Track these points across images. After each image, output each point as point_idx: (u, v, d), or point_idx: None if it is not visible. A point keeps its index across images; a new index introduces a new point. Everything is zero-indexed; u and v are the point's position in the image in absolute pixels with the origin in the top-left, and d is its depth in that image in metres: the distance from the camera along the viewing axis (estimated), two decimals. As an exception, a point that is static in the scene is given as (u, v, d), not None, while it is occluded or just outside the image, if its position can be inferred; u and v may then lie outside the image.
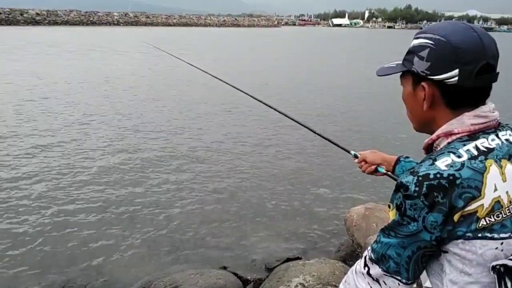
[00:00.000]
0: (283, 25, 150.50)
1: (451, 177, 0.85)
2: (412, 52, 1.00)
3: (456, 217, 0.86)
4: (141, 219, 4.55)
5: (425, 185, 0.86)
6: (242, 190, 5.41)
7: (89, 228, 4.30)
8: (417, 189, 0.86)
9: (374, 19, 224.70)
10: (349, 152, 1.72)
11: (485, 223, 0.86)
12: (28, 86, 12.14)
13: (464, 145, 0.92)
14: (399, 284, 0.95)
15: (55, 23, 61.71)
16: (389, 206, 0.96)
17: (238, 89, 2.06)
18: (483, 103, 0.97)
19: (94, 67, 17.09)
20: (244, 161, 6.49)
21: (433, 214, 0.86)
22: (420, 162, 0.96)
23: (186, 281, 3.18)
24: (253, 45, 37.28)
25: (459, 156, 0.89)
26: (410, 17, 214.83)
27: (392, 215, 0.93)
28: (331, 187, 5.58)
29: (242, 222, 4.58)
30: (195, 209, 4.84)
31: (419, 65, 0.97)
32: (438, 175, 0.86)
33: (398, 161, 1.54)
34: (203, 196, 5.19)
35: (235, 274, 3.48)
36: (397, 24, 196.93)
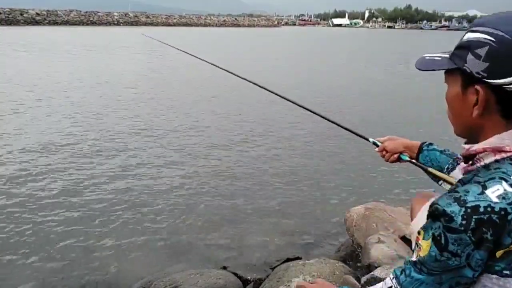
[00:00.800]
0: (283, 25, 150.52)
1: (502, 212, 0.75)
2: (466, 47, 0.85)
3: (498, 254, 0.77)
4: (140, 219, 4.55)
5: (474, 220, 0.75)
6: (242, 190, 5.41)
7: (88, 228, 4.30)
8: (464, 222, 0.75)
9: (374, 19, 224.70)
10: (367, 139, 1.63)
11: None
12: (37, 86, 12.15)
13: None
14: None
15: (55, 23, 61.71)
16: (418, 233, 0.85)
17: (243, 78, 1.99)
18: None
19: (97, 66, 17.09)
20: (243, 161, 6.49)
21: (480, 251, 0.76)
22: (460, 183, 0.84)
23: (186, 281, 3.17)
24: (253, 45, 37.28)
25: (511, 186, 0.78)
26: (410, 17, 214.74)
27: (426, 246, 0.81)
28: (331, 187, 5.58)
29: (242, 222, 4.58)
30: (195, 209, 4.83)
31: (474, 65, 0.83)
32: (489, 209, 0.75)
33: (421, 149, 1.42)
34: (202, 196, 5.19)
35: (235, 274, 3.48)
36: (397, 24, 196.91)
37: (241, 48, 32.76)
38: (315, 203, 5.06)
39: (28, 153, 6.40)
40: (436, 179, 1.38)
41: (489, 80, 0.81)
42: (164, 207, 4.83)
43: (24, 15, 59.08)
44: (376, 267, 2.99)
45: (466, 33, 0.88)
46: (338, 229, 4.40)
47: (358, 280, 2.93)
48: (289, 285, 2.87)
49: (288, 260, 3.69)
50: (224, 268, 3.68)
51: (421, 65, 0.97)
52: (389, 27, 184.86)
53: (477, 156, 0.88)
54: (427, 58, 0.98)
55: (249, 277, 3.51)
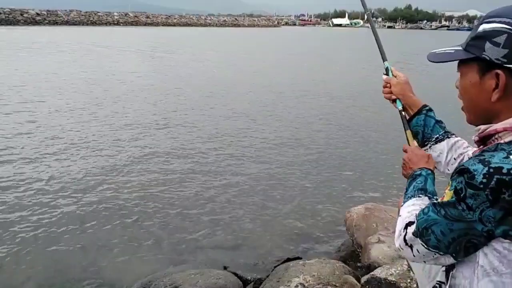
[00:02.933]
0: (283, 25, 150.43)
1: None
2: (483, 37, 0.90)
3: None
4: (140, 219, 4.55)
5: (495, 179, 0.80)
6: (242, 190, 5.41)
7: (88, 228, 4.30)
8: (484, 181, 0.80)
9: (374, 19, 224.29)
10: (384, 60, 1.54)
11: None
12: (46, 85, 12.14)
13: None
14: (434, 255, 0.93)
15: (55, 23, 61.69)
16: (448, 183, 0.91)
17: None
18: None
19: (101, 66, 17.09)
20: (243, 161, 6.49)
21: (494, 209, 0.81)
22: (485, 151, 0.89)
23: (186, 281, 3.17)
24: (256, 44, 37.27)
25: None
26: (410, 17, 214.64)
27: (448, 194, 0.88)
28: (331, 187, 5.58)
29: (242, 222, 4.58)
30: (195, 209, 4.83)
31: (493, 52, 0.88)
32: None
33: (419, 111, 1.41)
34: (202, 196, 5.19)
35: (235, 274, 3.48)
36: (397, 24, 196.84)
37: (250, 48, 32.75)
38: (315, 203, 5.06)
39: (32, 152, 6.40)
40: (420, 143, 1.40)
41: (509, 65, 0.87)
42: (164, 207, 4.83)
43: (24, 15, 59.04)
44: (376, 267, 2.99)
45: (479, 25, 0.93)
46: (338, 229, 4.40)
47: (358, 280, 2.93)
48: (289, 285, 2.87)
49: (288, 260, 3.69)
50: (224, 268, 3.68)
51: (435, 57, 1.03)
52: (389, 27, 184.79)
53: (496, 135, 0.92)
54: (438, 52, 1.03)
55: (249, 277, 3.51)
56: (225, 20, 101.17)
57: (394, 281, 2.69)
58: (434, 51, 1.05)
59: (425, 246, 0.93)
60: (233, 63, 21.16)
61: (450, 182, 0.90)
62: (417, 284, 2.67)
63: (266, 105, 10.86)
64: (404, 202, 1.14)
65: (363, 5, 1.70)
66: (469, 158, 0.89)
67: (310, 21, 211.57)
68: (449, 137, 1.34)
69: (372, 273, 2.85)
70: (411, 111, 1.42)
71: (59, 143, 6.95)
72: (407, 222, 1.01)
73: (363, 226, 3.68)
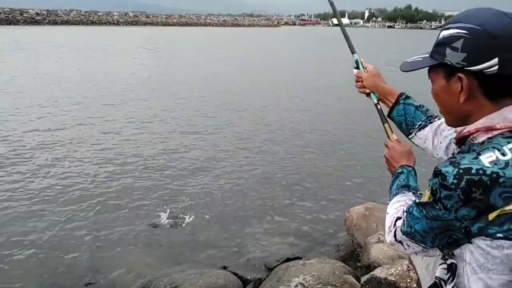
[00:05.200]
0: (283, 24, 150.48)
1: (494, 175, 0.82)
2: (443, 43, 0.95)
3: (491, 216, 0.84)
4: (140, 219, 4.55)
5: (464, 179, 0.83)
6: (242, 191, 5.41)
7: (88, 228, 4.30)
8: (455, 181, 0.84)
9: (374, 19, 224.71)
10: (352, 53, 1.54)
11: None
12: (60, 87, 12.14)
13: (508, 142, 0.87)
14: (423, 249, 0.99)
15: (55, 22, 61.72)
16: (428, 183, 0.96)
17: None
18: None
19: (106, 66, 17.10)
20: (242, 161, 6.49)
21: (467, 208, 0.84)
22: (459, 153, 0.93)
23: (186, 281, 3.17)
24: (256, 44, 37.27)
25: (503, 154, 0.85)
26: (410, 17, 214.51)
27: (427, 195, 0.93)
28: (331, 187, 5.58)
29: (242, 222, 4.58)
30: (195, 209, 4.83)
31: (454, 57, 0.92)
32: (480, 171, 0.83)
33: (397, 101, 1.41)
34: (202, 196, 5.19)
35: (235, 274, 3.48)
36: (397, 24, 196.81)
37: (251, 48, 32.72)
38: (315, 203, 5.06)
39: (34, 152, 6.40)
40: (405, 132, 1.42)
41: (469, 68, 0.91)
42: (164, 207, 4.83)
43: (24, 15, 59.03)
44: (376, 267, 2.99)
45: (440, 31, 0.98)
46: (338, 229, 4.40)
47: (358, 280, 2.93)
48: (289, 285, 2.87)
49: (288, 260, 3.69)
50: (224, 268, 3.68)
51: (405, 67, 1.08)
52: (389, 27, 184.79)
53: (471, 137, 0.96)
54: (409, 61, 1.08)
55: (249, 277, 3.51)
56: (225, 20, 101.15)
57: (394, 281, 2.69)
58: (406, 60, 1.09)
59: (413, 241, 0.99)
60: (234, 68, 21.15)
61: (429, 183, 0.95)
62: (417, 284, 2.67)
63: (266, 105, 10.86)
64: (390, 200, 1.19)
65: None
66: (444, 160, 0.93)
67: (310, 20, 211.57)
68: (431, 122, 1.34)
69: (372, 273, 2.85)
70: (389, 102, 1.43)
71: (63, 142, 6.95)
72: (395, 218, 1.07)
73: (363, 226, 3.68)
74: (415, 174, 1.25)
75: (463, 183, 0.83)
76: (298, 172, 6.09)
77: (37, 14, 61.60)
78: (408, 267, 2.78)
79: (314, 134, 8.13)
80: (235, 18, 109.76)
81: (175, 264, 3.76)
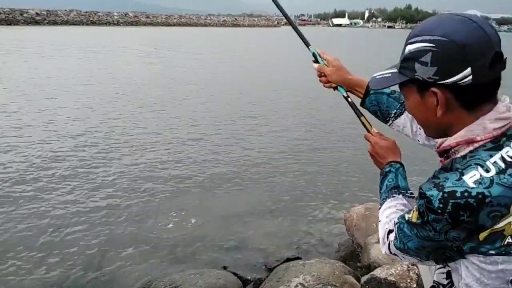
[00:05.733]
0: (283, 25, 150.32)
1: (480, 196, 0.79)
2: (411, 58, 0.90)
3: (482, 236, 0.82)
4: (140, 219, 4.55)
5: (450, 203, 0.80)
6: (241, 191, 5.41)
7: (88, 228, 4.30)
8: (441, 206, 0.81)
9: (374, 19, 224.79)
10: (308, 46, 1.46)
11: (511, 240, 0.82)
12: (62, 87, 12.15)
13: (491, 156, 0.84)
14: (419, 261, 0.98)
15: (55, 23, 61.67)
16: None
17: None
18: (496, 95, 0.90)
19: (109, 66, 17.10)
20: (242, 162, 6.49)
21: (456, 230, 0.82)
22: (441, 169, 0.89)
23: (186, 281, 3.17)
24: (256, 45, 37.26)
25: (487, 171, 0.82)
26: (410, 17, 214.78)
27: (415, 215, 0.90)
28: (331, 187, 5.58)
29: (242, 222, 4.58)
30: (195, 209, 4.83)
31: (424, 72, 0.87)
32: (466, 194, 0.80)
33: (368, 91, 1.36)
34: (202, 196, 5.19)
35: (235, 274, 3.48)
36: (397, 24, 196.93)
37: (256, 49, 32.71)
38: (315, 203, 5.06)
39: (37, 152, 6.41)
40: (382, 120, 1.38)
41: (442, 82, 0.86)
42: (164, 207, 4.83)
43: (24, 15, 58.99)
44: (376, 267, 2.99)
45: (405, 46, 0.93)
46: (338, 229, 4.40)
47: (358, 280, 2.93)
48: (289, 285, 2.87)
49: (288, 260, 3.69)
50: (224, 268, 3.68)
51: (376, 85, 1.02)
52: (389, 27, 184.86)
53: (452, 150, 0.93)
54: (377, 77, 1.02)
55: (249, 277, 3.52)
56: (225, 20, 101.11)
57: (394, 281, 2.69)
58: (374, 75, 1.04)
59: (407, 255, 0.98)
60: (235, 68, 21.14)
61: (416, 198, 0.92)
62: (417, 284, 2.67)
63: (267, 105, 10.86)
64: (381, 204, 1.17)
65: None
66: (428, 180, 0.90)
67: (310, 21, 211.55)
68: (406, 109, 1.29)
69: (372, 273, 2.86)
70: (359, 93, 1.39)
71: (67, 140, 6.95)
72: (387, 229, 1.05)
73: (363, 226, 3.68)
74: (404, 169, 1.22)
75: (449, 207, 0.81)
76: (298, 172, 6.09)
77: (37, 14, 61.56)
78: (408, 267, 2.78)
79: (314, 134, 8.13)
80: (235, 18, 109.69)
81: (175, 264, 3.76)
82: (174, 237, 4.22)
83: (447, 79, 0.85)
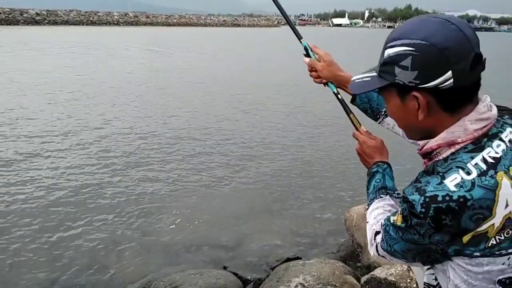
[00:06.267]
0: (283, 25, 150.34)
1: (461, 199, 0.79)
2: (390, 62, 0.89)
3: (465, 239, 0.82)
4: (140, 219, 4.55)
5: (432, 208, 0.80)
6: (241, 191, 5.41)
7: (88, 228, 4.30)
8: (423, 210, 0.81)
9: (374, 19, 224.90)
10: (300, 39, 1.44)
11: (494, 242, 0.83)
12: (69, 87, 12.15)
13: (472, 157, 0.84)
14: (406, 262, 0.98)
15: (55, 23, 61.62)
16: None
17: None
18: (477, 95, 0.90)
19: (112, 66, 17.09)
20: (242, 162, 6.49)
21: (440, 234, 0.82)
22: (424, 173, 0.89)
23: (186, 281, 3.18)
24: (257, 45, 37.26)
25: (468, 173, 0.82)
26: (410, 17, 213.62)
27: (399, 218, 0.90)
28: (331, 187, 5.58)
29: (242, 222, 4.58)
30: (195, 209, 4.83)
31: (404, 76, 0.86)
32: (447, 198, 0.80)
33: None
34: (202, 196, 5.19)
35: (235, 274, 3.48)
36: (397, 24, 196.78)
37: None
38: (315, 203, 5.06)
39: (36, 152, 6.40)
40: (372, 118, 1.38)
41: (423, 86, 0.85)
42: (164, 207, 4.84)
43: (24, 15, 58.95)
44: (376, 267, 2.99)
45: (384, 50, 0.91)
46: (338, 229, 4.39)
47: (358, 280, 2.93)
48: (289, 285, 2.87)
49: (288, 260, 3.69)
50: (224, 268, 3.68)
51: (356, 89, 1.01)
52: (389, 27, 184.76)
53: (434, 152, 0.93)
54: (357, 81, 1.01)
55: (249, 277, 3.52)
56: (225, 20, 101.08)
57: (393, 281, 2.69)
58: (353, 79, 1.03)
59: (394, 257, 0.98)
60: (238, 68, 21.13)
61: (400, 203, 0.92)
62: (417, 284, 2.67)
63: (267, 105, 10.86)
64: (368, 205, 1.16)
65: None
66: (410, 184, 0.90)
67: (310, 21, 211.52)
68: None
69: (372, 273, 2.86)
70: (349, 90, 1.37)
71: (69, 139, 6.95)
72: (374, 231, 1.05)
73: (363, 226, 3.67)
74: (391, 170, 1.22)
75: (431, 211, 0.80)
76: (298, 172, 6.09)
77: (37, 14, 61.51)
78: (408, 267, 2.78)
79: (314, 134, 8.13)
80: (235, 18, 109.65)
81: (175, 264, 3.76)
82: (174, 237, 4.22)
83: (428, 83, 0.84)
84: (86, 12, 71.64)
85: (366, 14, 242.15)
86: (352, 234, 3.71)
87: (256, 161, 6.50)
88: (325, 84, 1.42)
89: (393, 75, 0.89)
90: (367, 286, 2.77)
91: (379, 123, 1.37)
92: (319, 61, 1.42)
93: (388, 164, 1.24)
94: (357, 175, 5.96)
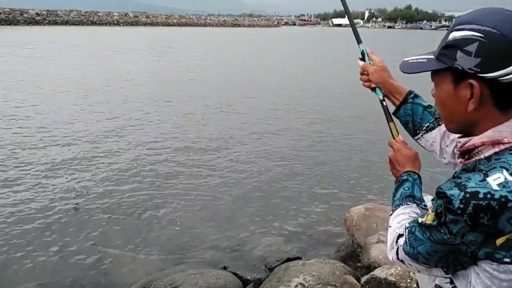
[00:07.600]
0: (283, 25, 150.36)
1: (503, 199, 0.77)
2: (454, 46, 0.86)
3: (499, 241, 0.80)
4: (140, 219, 4.55)
5: (472, 204, 0.78)
6: (242, 191, 5.41)
7: (88, 228, 4.30)
8: (462, 206, 0.78)
9: (374, 19, 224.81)
10: (358, 43, 1.46)
11: None
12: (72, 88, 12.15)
13: None
14: (426, 268, 0.94)
15: (55, 23, 61.66)
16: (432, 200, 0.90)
17: None
18: None
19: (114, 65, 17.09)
20: (242, 161, 6.49)
21: (475, 233, 0.80)
22: (463, 170, 0.87)
23: (186, 281, 3.17)
24: (257, 45, 37.25)
25: None
26: (410, 17, 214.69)
27: (431, 216, 0.87)
28: (331, 187, 5.58)
29: (242, 222, 4.58)
30: (195, 209, 4.83)
31: (466, 62, 0.84)
32: (488, 196, 0.77)
33: (406, 99, 1.32)
34: (202, 196, 5.19)
35: (235, 274, 3.48)
36: (397, 24, 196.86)
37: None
38: (315, 203, 5.06)
39: (36, 150, 6.41)
40: (411, 132, 1.36)
41: (482, 75, 0.83)
42: (164, 207, 4.83)
43: (24, 15, 58.97)
44: (376, 267, 2.99)
45: (450, 32, 0.89)
46: (338, 229, 4.40)
47: (358, 280, 2.93)
48: (289, 285, 2.87)
49: (288, 260, 3.69)
50: (224, 268, 3.68)
51: (407, 68, 0.98)
52: (389, 27, 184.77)
53: (476, 150, 0.89)
54: (410, 61, 0.99)
55: (249, 277, 3.51)
56: (224, 20, 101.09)
57: (394, 281, 2.69)
58: (406, 59, 1.00)
59: (416, 262, 0.95)
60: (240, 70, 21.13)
61: (433, 201, 0.89)
62: (417, 284, 2.67)
63: (267, 105, 10.86)
64: (393, 210, 1.13)
65: None
66: (448, 180, 0.87)
67: (310, 21, 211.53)
68: (440, 124, 1.27)
69: (372, 273, 2.85)
70: (395, 100, 1.36)
71: (71, 138, 6.95)
72: (397, 234, 1.02)
73: (363, 226, 3.68)
74: (421, 182, 1.19)
75: (470, 208, 0.78)
76: (298, 172, 6.09)
77: (37, 14, 61.52)
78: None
79: (314, 134, 8.12)
80: (235, 19, 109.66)
81: (175, 264, 3.76)
82: (174, 237, 4.22)
83: (488, 73, 0.82)
84: (86, 12, 71.68)
85: (366, 14, 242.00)
86: (352, 234, 3.71)
87: (256, 162, 6.50)
88: (373, 89, 1.40)
89: (453, 59, 0.87)
90: (367, 286, 2.77)
91: (417, 139, 1.33)
92: (373, 66, 1.41)
93: (419, 176, 1.21)
94: (357, 176, 5.96)
